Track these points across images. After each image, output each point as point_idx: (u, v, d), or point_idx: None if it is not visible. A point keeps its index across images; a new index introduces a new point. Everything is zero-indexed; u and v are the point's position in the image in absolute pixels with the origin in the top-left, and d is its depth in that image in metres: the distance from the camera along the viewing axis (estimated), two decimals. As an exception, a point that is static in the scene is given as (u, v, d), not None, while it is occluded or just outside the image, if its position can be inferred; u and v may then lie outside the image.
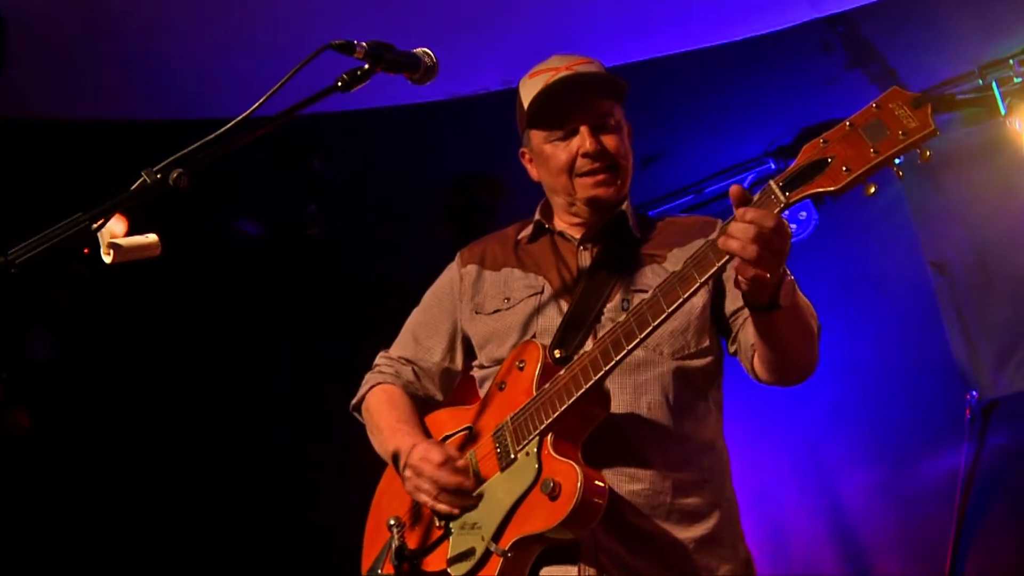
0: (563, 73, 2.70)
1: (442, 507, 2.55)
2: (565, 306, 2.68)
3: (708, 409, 2.69)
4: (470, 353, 2.92)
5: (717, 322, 2.70)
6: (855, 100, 2.13)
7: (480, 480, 2.55)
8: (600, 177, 2.71)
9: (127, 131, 5.17)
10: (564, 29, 4.85)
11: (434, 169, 6.04)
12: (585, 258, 2.77)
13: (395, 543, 2.57)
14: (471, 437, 2.67)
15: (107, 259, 2.06)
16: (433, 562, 2.58)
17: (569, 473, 2.36)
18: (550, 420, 2.44)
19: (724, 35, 4.95)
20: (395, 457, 2.70)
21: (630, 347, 2.35)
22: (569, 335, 2.61)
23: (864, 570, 5.57)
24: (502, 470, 2.51)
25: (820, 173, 2.11)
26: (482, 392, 2.79)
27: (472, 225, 5.99)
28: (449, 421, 2.80)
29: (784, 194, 2.15)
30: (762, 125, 5.83)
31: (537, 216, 2.90)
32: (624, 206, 2.79)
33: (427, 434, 2.79)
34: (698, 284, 2.26)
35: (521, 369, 2.59)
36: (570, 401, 2.41)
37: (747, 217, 2.13)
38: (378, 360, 3.06)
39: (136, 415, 6.07)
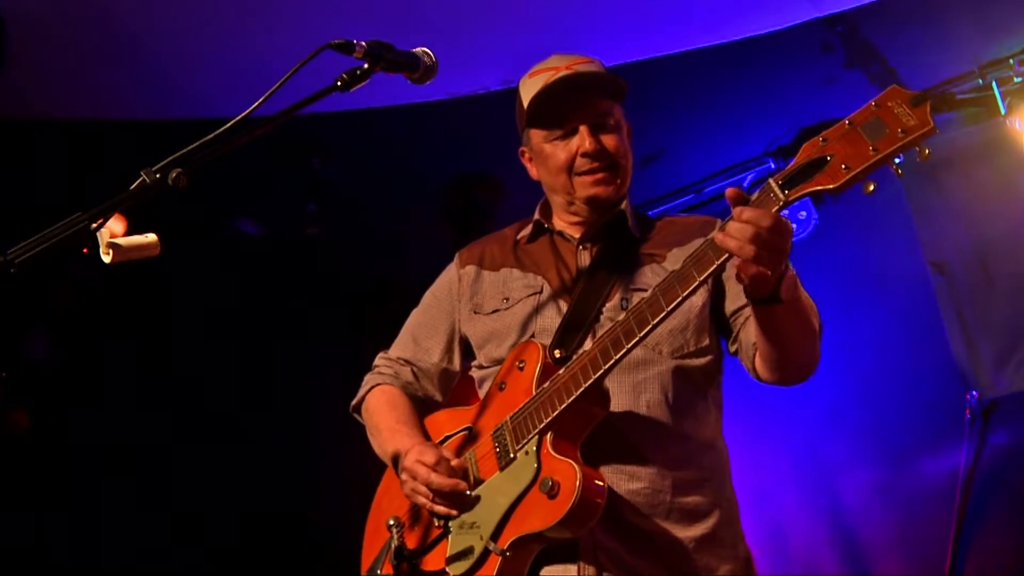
0: (563, 72, 2.70)
1: (439, 509, 2.55)
2: (564, 306, 2.68)
3: (708, 408, 2.69)
4: (468, 354, 2.92)
5: (717, 321, 2.70)
6: (855, 100, 2.13)
7: (479, 480, 2.55)
8: (599, 176, 2.71)
9: (126, 131, 5.17)
10: (564, 29, 4.85)
11: (434, 169, 6.04)
12: (584, 257, 2.77)
13: (394, 543, 2.57)
14: (471, 437, 2.67)
15: (106, 259, 2.06)
16: (432, 561, 2.58)
17: (568, 472, 2.36)
18: (549, 419, 2.43)
19: (724, 35, 4.95)
20: (395, 459, 2.70)
21: (629, 346, 2.35)
22: (568, 335, 2.61)
23: (864, 570, 5.57)
24: (501, 469, 2.51)
25: (819, 171, 2.11)
26: (481, 392, 2.79)
27: (472, 225, 6.00)
28: (448, 422, 2.80)
29: (783, 192, 2.15)
30: (762, 124, 5.83)
31: (536, 216, 2.90)
32: (624, 205, 2.79)
33: (426, 435, 2.79)
34: (697, 283, 2.26)
35: (521, 369, 2.59)
36: (569, 400, 2.41)
37: (744, 216, 2.13)
38: (377, 361, 3.05)
39: (136, 415, 6.08)
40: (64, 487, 5.81)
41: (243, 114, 2.07)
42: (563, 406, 2.42)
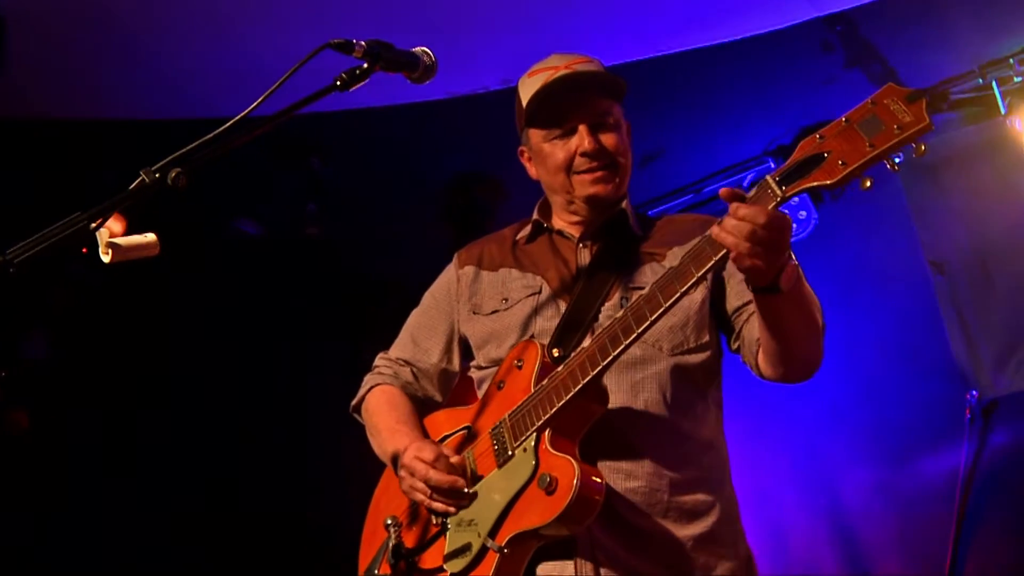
0: (562, 72, 2.70)
1: (437, 506, 2.55)
2: (563, 306, 2.68)
3: (707, 408, 2.68)
4: (468, 354, 2.92)
5: (718, 318, 2.70)
6: (854, 99, 2.14)
7: (477, 477, 2.55)
8: (598, 175, 2.71)
9: (126, 131, 5.17)
10: (563, 28, 4.85)
11: (433, 169, 6.04)
12: (584, 256, 2.77)
13: (392, 542, 2.57)
14: (469, 436, 2.67)
15: (105, 259, 2.06)
16: (429, 559, 2.58)
17: (566, 468, 2.36)
18: (548, 416, 2.43)
19: (723, 34, 4.95)
20: (394, 458, 2.70)
21: (627, 342, 2.35)
22: (567, 334, 2.61)
23: (864, 570, 5.57)
24: (499, 467, 2.51)
25: (816, 168, 2.13)
26: (480, 393, 2.79)
27: (471, 225, 5.99)
28: (447, 422, 2.80)
29: (780, 188, 2.16)
30: (761, 124, 5.83)
31: (535, 216, 2.90)
32: (624, 204, 2.79)
33: (426, 435, 2.79)
34: (695, 278, 2.26)
35: (519, 368, 2.59)
36: (568, 397, 2.41)
37: (740, 213, 2.15)
38: (377, 361, 3.05)
39: (135, 415, 6.07)
40: (64, 487, 5.81)
41: (242, 114, 2.07)
42: (561, 403, 2.42)
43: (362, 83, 2.22)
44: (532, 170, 2.87)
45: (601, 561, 2.46)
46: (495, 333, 2.76)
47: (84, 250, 2.01)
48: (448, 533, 2.55)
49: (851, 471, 5.71)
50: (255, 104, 2.08)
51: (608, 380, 2.52)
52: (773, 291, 2.26)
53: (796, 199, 4.53)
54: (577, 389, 2.41)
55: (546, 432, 2.44)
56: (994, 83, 5.26)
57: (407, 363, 2.97)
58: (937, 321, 5.53)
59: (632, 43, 4.98)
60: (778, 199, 2.16)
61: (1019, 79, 5.17)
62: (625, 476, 2.52)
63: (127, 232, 2.09)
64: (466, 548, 2.47)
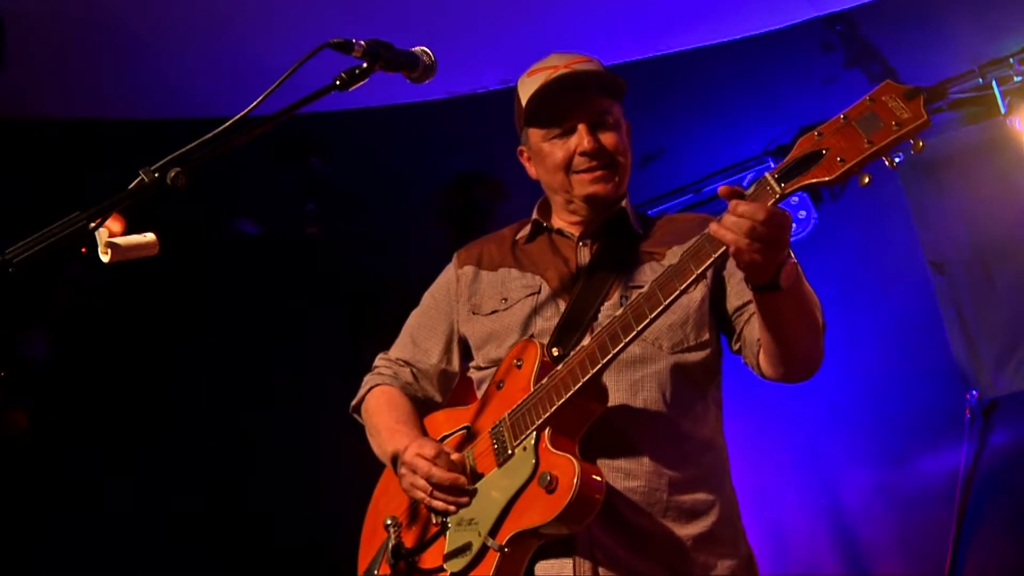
0: (561, 71, 2.70)
1: (437, 504, 2.54)
2: (563, 305, 2.68)
3: (707, 407, 2.68)
4: (467, 355, 2.92)
5: (718, 318, 2.70)
6: (854, 99, 2.14)
7: (477, 476, 2.55)
8: (597, 174, 2.71)
9: (125, 130, 5.17)
10: (563, 28, 4.85)
11: (433, 168, 6.04)
12: (584, 255, 2.77)
13: (391, 542, 2.56)
14: (469, 436, 2.67)
15: (105, 258, 2.06)
16: (429, 559, 2.58)
17: (566, 467, 2.35)
18: (547, 414, 2.43)
19: (723, 34, 4.95)
20: (394, 459, 2.70)
21: (627, 340, 2.35)
22: (566, 333, 2.61)
23: (864, 570, 5.57)
24: (499, 466, 2.50)
25: (815, 164, 2.13)
26: (480, 392, 2.79)
27: (471, 225, 5.99)
28: (446, 422, 2.80)
29: (779, 185, 2.16)
30: (761, 124, 5.83)
31: (535, 215, 2.89)
32: (623, 203, 2.79)
33: (425, 435, 2.78)
34: (695, 276, 2.26)
35: (519, 367, 2.59)
36: (567, 395, 2.41)
37: (739, 210, 2.14)
38: (377, 362, 3.05)
39: (135, 415, 6.07)
40: (63, 487, 5.80)
41: (242, 113, 2.07)
42: (561, 401, 2.42)
43: (362, 83, 2.21)
44: (531, 170, 2.87)
45: (600, 560, 2.46)
46: (495, 333, 2.76)
47: (83, 250, 2.00)
48: (448, 532, 2.55)
49: (851, 471, 5.71)
50: (255, 104, 2.08)
51: (608, 379, 2.52)
52: (773, 289, 2.26)
53: (796, 198, 4.54)
54: (577, 387, 2.40)
55: (546, 431, 2.44)
56: (994, 83, 5.27)
57: (407, 363, 2.97)
58: (937, 321, 5.53)
59: (632, 42, 4.98)
60: (777, 196, 2.16)
61: (1019, 79, 5.18)
62: (624, 475, 2.52)
63: (126, 232, 2.09)
64: (466, 547, 2.47)
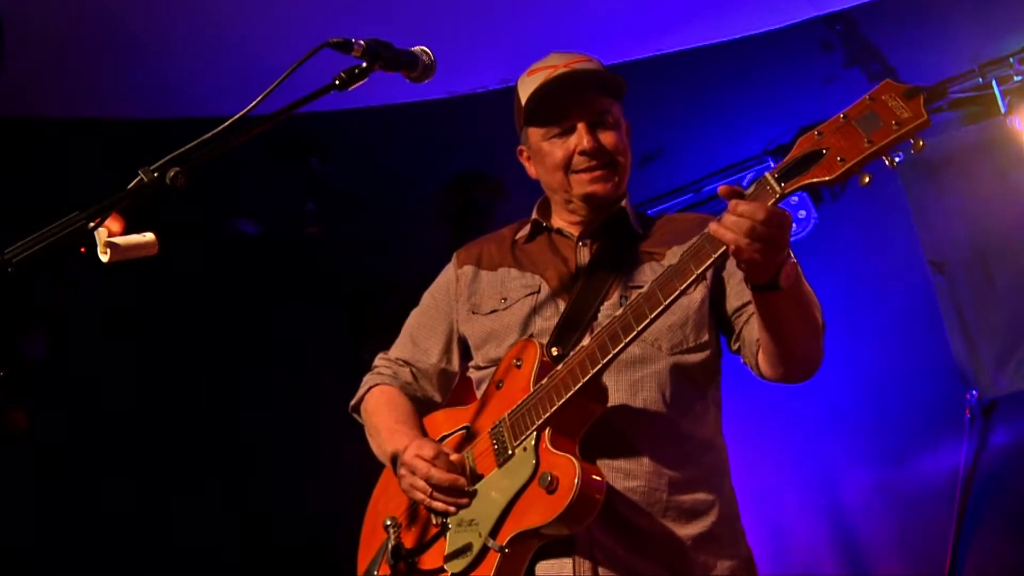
0: (561, 70, 2.69)
1: (437, 505, 2.54)
2: (562, 305, 2.68)
3: (707, 407, 2.68)
4: (467, 354, 2.92)
5: (718, 319, 2.70)
6: (854, 99, 2.14)
7: (477, 477, 2.54)
8: (597, 174, 2.70)
9: (124, 130, 5.17)
10: (563, 27, 4.85)
11: (432, 168, 6.04)
12: (584, 255, 2.76)
13: (391, 543, 2.56)
14: (468, 436, 2.66)
15: (104, 258, 2.05)
16: (429, 560, 2.57)
17: (567, 467, 2.35)
18: (548, 415, 2.43)
19: (723, 33, 4.95)
20: (394, 458, 2.69)
21: (627, 340, 2.35)
22: (566, 333, 2.60)
23: (864, 570, 5.57)
24: (499, 466, 2.50)
25: (815, 164, 2.12)
26: (479, 393, 2.78)
27: (470, 224, 5.99)
28: (446, 422, 2.79)
29: (779, 185, 2.16)
30: (761, 123, 5.83)
31: (535, 215, 2.89)
32: (623, 203, 2.79)
33: (425, 435, 2.78)
34: (695, 275, 2.26)
35: (518, 367, 2.59)
36: (567, 395, 2.41)
37: (739, 210, 2.14)
38: (377, 361, 3.05)
39: (134, 415, 6.07)
40: (63, 487, 5.80)
41: (241, 113, 2.07)
42: (561, 401, 2.41)
43: (361, 82, 2.21)
44: (531, 169, 2.87)
45: (600, 560, 2.46)
46: (494, 333, 2.76)
47: (83, 249, 2.00)
48: (448, 533, 2.55)
49: (851, 471, 5.71)
50: (254, 103, 2.07)
51: (607, 379, 2.51)
52: (772, 289, 2.26)
53: (796, 198, 4.54)
54: (577, 387, 2.40)
55: (546, 431, 2.44)
56: (994, 82, 5.27)
57: (406, 363, 2.97)
58: (937, 321, 5.53)
59: (632, 42, 4.98)
60: (777, 195, 2.16)
61: (1019, 78, 5.18)
62: (624, 475, 2.51)
63: (126, 231, 2.09)
64: (467, 548, 2.46)
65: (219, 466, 6.21)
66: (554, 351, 2.57)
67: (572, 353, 2.48)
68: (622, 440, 2.54)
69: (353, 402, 3.03)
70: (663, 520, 2.52)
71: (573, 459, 2.36)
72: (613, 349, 2.36)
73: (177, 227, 3.39)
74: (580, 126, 2.68)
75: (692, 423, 2.62)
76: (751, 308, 2.51)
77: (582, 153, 2.68)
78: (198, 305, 6.34)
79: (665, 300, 2.29)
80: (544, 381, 2.48)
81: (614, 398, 2.53)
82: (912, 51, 5.16)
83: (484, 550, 2.43)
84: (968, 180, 5.46)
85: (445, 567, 2.51)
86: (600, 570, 2.45)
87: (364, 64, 2.20)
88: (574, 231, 2.81)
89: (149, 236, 2.12)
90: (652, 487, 2.52)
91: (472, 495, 2.52)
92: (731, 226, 2.14)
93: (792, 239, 2.25)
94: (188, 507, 6.09)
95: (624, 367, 2.56)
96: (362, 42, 2.19)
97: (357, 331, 6.68)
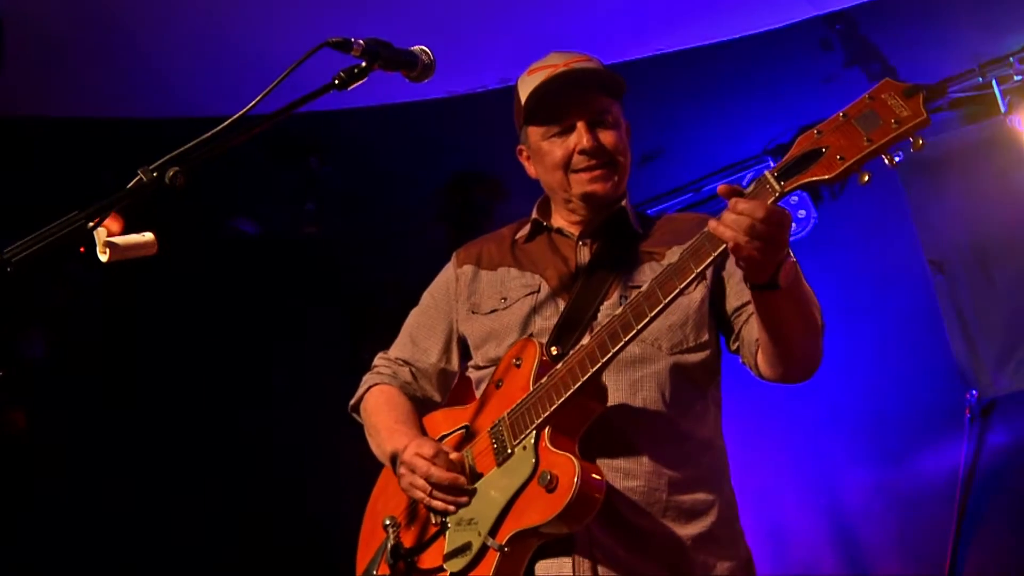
0: (561, 69, 2.69)
1: (437, 504, 2.54)
2: (562, 304, 2.67)
3: (706, 407, 2.68)
4: (466, 354, 2.91)
5: (717, 318, 2.69)
6: (854, 98, 2.14)
7: (476, 476, 2.54)
8: (596, 173, 2.70)
9: (124, 129, 5.17)
10: (563, 27, 4.85)
11: (432, 167, 6.04)
12: (584, 254, 2.76)
13: (390, 542, 2.56)
14: (468, 435, 2.66)
15: (103, 258, 2.05)
16: (429, 559, 2.57)
17: (567, 466, 2.35)
18: (547, 414, 2.43)
19: (723, 33, 4.95)
20: (393, 458, 2.69)
21: (627, 339, 2.35)
22: (566, 332, 2.60)
23: (864, 570, 5.57)
24: (499, 465, 2.50)
25: (815, 163, 2.13)
26: (479, 392, 2.78)
27: (470, 224, 5.99)
28: (445, 421, 2.79)
29: (779, 183, 2.16)
30: (761, 123, 5.83)
31: (535, 214, 2.89)
32: (623, 203, 2.78)
33: (424, 435, 2.78)
34: (694, 274, 2.26)
35: (518, 366, 2.59)
36: (567, 394, 2.40)
37: (739, 208, 2.14)
38: (376, 361, 3.05)
39: (133, 415, 6.07)
40: (62, 487, 5.80)
41: (240, 112, 2.06)
42: (561, 400, 2.41)
43: (360, 82, 2.21)
44: (531, 169, 2.87)
45: (599, 559, 2.46)
46: (494, 332, 2.76)
47: (82, 249, 2.00)
48: (448, 532, 2.54)
49: (851, 471, 5.71)
50: (253, 103, 2.07)
51: (607, 378, 2.51)
52: (771, 288, 2.26)
53: (795, 197, 4.54)
54: (577, 386, 2.40)
55: (546, 430, 2.44)
56: (994, 82, 5.27)
57: (406, 363, 2.96)
58: (937, 321, 5.53)
59: (632, 42, 4.97)
60: (777, 194, 2.16)
61: (1019, 78, 5.18)
62: (624, 475, 2.51)
63: (125, 231, 2.08)
64: (466, 547, 2.46)
65: (219, 466, 6.21)
66: (554, 350, 2.57)
67: (572, 352, 2.48)
68: (622, 440, 2.53)
69: (352, 402, 3.03)
70: (663, 520, 2.51)
71: (573, 458, 2.36)
72: (613, 348, 2.36)
73: (176, 227, 3.39)
74: (580, 125, 2.67)
75: (692, 423, 2.62)
76: (750, 308, 2.51)
77: (582, 152, 2.68)
78: (197, 305, 6.34)
79: (665, 299, 2.29)
80: (544, 380, 2.48)
81: (614, 397, 2.52)
82: (912, 51, 5.16)
83: (483, 549, 2.43)
84: (968, 180, 5.45)
85: (444, 566, 2.51)
86: (600, 569, 2.45)
87: (363, 64, 2.20)
88: (574, 231, 2.80)
89: (148, 236, 2.12)
90: (652, 487, 2.52)
91: (471, 494, 2.52)
92: (731, 224, 2.14)
93: (792, 239, 2.25)
94: (188, 507, 6.09)
95: (624, 366, 2.56)
96: (361, 42, 2.19)
97: (356, 331, 6.67)
